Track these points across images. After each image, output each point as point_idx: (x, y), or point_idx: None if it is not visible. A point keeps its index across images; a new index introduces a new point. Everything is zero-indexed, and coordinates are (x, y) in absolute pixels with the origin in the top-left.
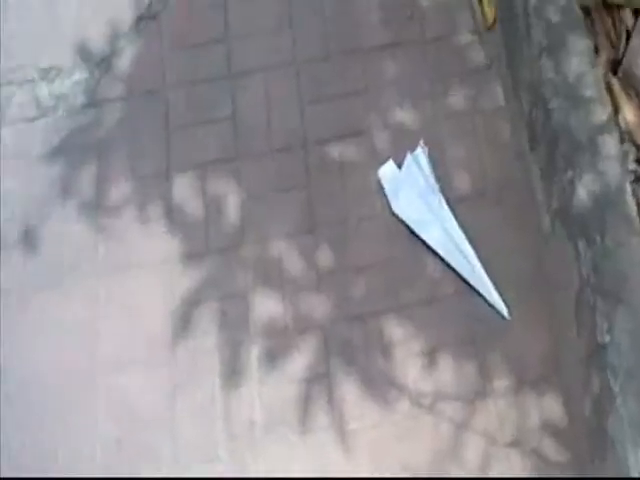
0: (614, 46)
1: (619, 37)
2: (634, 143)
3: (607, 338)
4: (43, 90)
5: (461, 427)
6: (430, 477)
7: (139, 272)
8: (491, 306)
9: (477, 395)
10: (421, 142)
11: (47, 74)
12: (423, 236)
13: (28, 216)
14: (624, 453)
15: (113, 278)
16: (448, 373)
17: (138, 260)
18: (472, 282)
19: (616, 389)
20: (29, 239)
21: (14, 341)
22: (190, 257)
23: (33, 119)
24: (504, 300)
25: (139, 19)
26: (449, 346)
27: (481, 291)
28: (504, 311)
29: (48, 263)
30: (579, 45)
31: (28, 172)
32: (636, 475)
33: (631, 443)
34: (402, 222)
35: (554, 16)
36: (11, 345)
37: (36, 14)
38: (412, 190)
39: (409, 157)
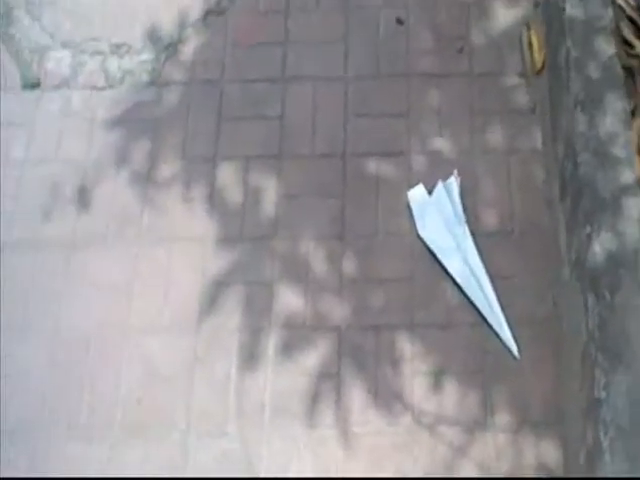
0: None
1: None
2: None
3: (603, 394)
4: (113, 64)
5: (457, 452)
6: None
7: (177, 246)
8: (502, 342)
9: (477, 425)
10: (455, 172)
11: (118, 49)
12: (444, 263)
13: (85, 176)
14: None
15: (152, 247)
16: (452, 397)
17: (177, 235)
18: (487, 315)
19: (605, 444)
20: (83, 197)
21: (53, 288)
22: (224, 240)
23: (101, 88)
24: (516, 339)
25: (207, 12)
26: (456, 372)
27: (494, 326)
28: (514, 349)
29: (97, 222)
30: (615, 104)
31: (90, 136)
32: None
33: None
34: (426, 245)
35: (594, 72)
36: (49, 291)
37: None
38: (439, 217)
39: (440, 185)
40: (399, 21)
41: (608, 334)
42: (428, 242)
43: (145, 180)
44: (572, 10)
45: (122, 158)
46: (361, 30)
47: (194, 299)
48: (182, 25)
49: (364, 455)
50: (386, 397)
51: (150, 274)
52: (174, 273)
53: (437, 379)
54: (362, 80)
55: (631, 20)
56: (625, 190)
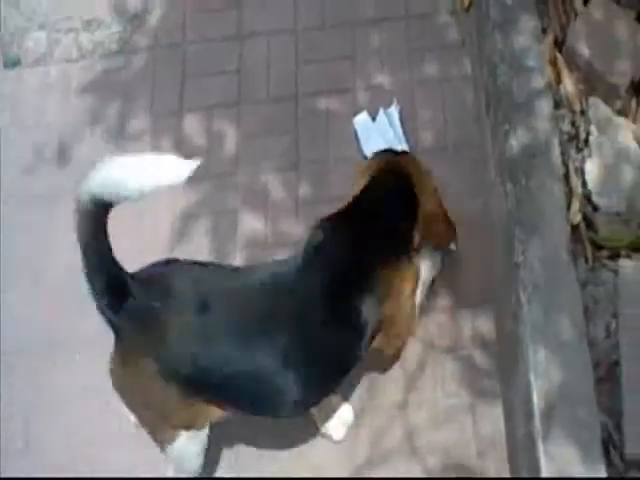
0: (563, 28)
1: (568, 20)
2: (571, 109)
3: (521, 258)
4: (85, 38)
5: None
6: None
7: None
8: None
9: (420, 309)
10: (395, 101)
11: (89, 25)
12: None
13: (63, 138)
14: (527, 353)
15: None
16: None
17: None
18: None
19: (524, 300)
20: (62, 156)
21: (42, 237)
22: (192, 179)
23: (74, 60)
24: None
25: None
26: None
27: None
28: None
29: (76, 176)
30: (528, 24)
31: (66, 103)
32: (535, 375)
33: (532, 344)
34: None
35: None
36: (38, 241)
37: None
38: (382, 139)
39: (381, 112)
40: None
41: (524, 211)
42: None
43: (117, 136)
44: None
45: (96, 119)
46: None
47: (166, 233)
48: None
49: None
50: None
51: (126, 213)
52: (146, 212)
53: None
54: (310, 31)
55: None
56: (538, 94)
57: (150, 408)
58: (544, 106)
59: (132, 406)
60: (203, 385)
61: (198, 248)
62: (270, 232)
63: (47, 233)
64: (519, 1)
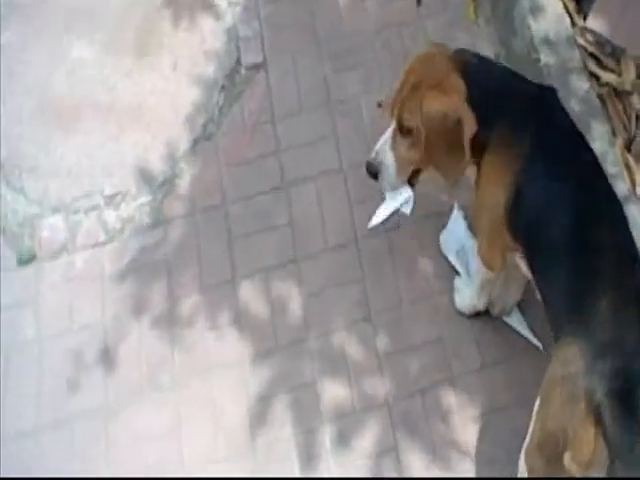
0: (626, 128)
1: (630, 119)
2: None
3: None
4: (110, 215)
5: None
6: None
7: (215, 375)
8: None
9: None
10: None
11: (112, 200)
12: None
13: (105, 336)
14: None
15: (191, 384)
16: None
17: (212, 364)
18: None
19: None
20: (108, 358)
21: (97, 457)
22: (260, 355)
23: (102, 243)
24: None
25: (195, 141)
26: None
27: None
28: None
29: (129, 379)
30: (600, 129)
31: (101, 293)
32: None
33: None
34: None
35: (576, 106)
36: (99, 460)
37: (99, 144)
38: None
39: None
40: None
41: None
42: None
43: (168, 321)
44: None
45: (140, 307)
46: (347, 123)
47: (243, 421)
48: (173, 159)
49: None
50: (443, 451)
51: (194, 410)
52: (218, 402)
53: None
54: (357, 167)
55: (593, 56)
56: (624, 200)
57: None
58: (634, 212)
59: None
60: None
61: (280, 432)
62: (356, 397)
63: (106, 450)
64: (588, 107)
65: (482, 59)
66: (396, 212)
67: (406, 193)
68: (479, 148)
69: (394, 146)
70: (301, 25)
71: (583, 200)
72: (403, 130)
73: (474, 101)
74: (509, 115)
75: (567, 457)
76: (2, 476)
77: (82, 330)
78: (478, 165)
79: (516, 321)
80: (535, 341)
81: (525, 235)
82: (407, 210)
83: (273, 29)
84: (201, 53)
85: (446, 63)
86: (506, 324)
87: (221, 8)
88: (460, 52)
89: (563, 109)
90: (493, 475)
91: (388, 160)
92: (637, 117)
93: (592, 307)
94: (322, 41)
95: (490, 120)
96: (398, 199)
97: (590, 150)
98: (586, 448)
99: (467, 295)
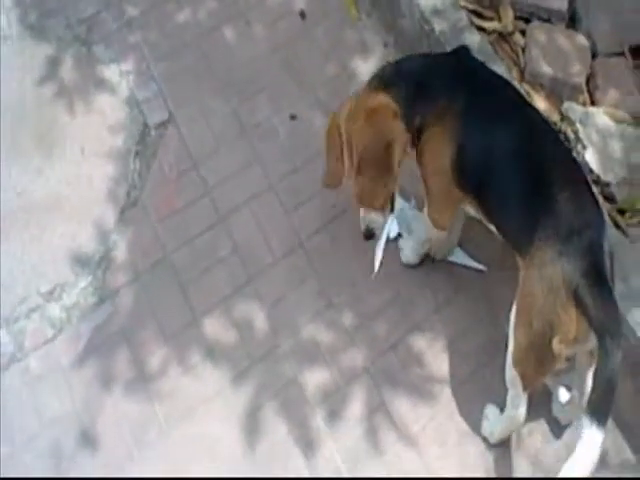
0: (516, 63)
1: (517, 54)
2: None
3: None
4: (54, 309)
5: None
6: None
7: (200, 412)
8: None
9: None
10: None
11: (52, 294)
12: None
13: (80, 420)
14: None
15: (182, 431)
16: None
17: (196, 403)
18: None
19: None
20: (89, 440)
21: None
22: (239, 376)
23: (52, 338)
24: None
25: (122, 211)
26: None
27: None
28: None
29: (115, 454)
30: (499, 71)
31: (65, 384)
32: None
33: None
34: None
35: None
36: None
37: (24, 249)
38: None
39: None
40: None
41: None
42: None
43: (141, 382)
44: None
45: (108, 381)
46: (266, 144)
47: (239, 440)
48: (104, 235)
49: (429, 443)
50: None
51: (190, 451)
52: (210, 434)
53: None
54: (287, 176)
55: (475, 12)
56: None
57: None
58: None
59: None
60: None
61: (277, 433)
62: (337, 374)
63: None
64: (484, 56)
65: (403, 61)
66: (387, 240)
67: (390, 221)
68: (417, 136)
69: (356, 186)
70: (197, 71)
71: (520, 127)
72: (360, 170)
73: (406, 106)
74: (438, 91)
75: (555, 342)
76: None
77: (54, 425)
78: (416, 147)
79: (460, 257)
80: (481, 266)
81: (475, 182)
82: (393, 233)
83: (171, 83)
84: (105, 130)
85: (365, 98)
86: (449, 263)
87: (114, 81)
88: (388, 66)
89: (477, 60)
90: (470, 392)
91: (370, 216)
92: (522, 50)
93: (553, 206)
94: (222, 78)
95: (423, 108)
96: (386, 231)
97: (512, 86)
98: (570, 326)
99: (412, 249)
